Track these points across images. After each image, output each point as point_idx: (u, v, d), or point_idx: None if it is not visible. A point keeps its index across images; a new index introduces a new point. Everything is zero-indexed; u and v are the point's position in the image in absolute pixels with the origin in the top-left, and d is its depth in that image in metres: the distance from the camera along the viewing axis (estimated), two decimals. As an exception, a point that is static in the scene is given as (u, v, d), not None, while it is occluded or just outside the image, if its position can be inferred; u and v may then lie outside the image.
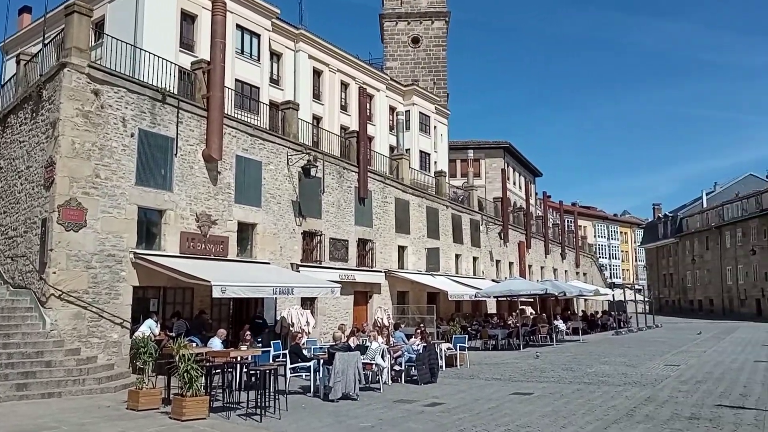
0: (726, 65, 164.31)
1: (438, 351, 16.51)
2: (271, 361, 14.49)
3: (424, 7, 44.19)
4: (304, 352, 14.31)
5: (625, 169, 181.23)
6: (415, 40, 44.09)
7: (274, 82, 28.88)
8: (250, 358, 13.01)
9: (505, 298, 32.00)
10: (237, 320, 18.37)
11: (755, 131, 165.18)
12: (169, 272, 14.71)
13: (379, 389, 13.30)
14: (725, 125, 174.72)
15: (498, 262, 38.11)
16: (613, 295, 41.69)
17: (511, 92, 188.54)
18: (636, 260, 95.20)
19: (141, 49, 18.09)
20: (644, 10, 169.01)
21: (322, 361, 12.95)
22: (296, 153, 20.92)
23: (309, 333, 18.17)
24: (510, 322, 27.78)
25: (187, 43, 24.60)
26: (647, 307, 47.21)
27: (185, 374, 9.92)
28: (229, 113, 19.00)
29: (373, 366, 13.77)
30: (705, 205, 68.84)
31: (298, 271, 20.09)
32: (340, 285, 18.09)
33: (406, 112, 37.57)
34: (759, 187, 61.64)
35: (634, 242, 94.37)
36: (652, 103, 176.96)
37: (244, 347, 13.96)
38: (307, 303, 20.83)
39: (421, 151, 38.31)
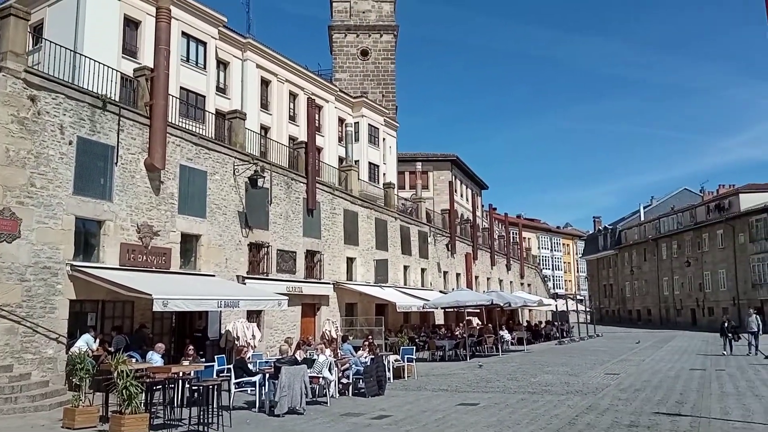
0: (659, 83, 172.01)
1: (386, 363, 16.49)
2: (215, 376, 14.14)
3: (373, 20, 44.53)
4: (250, 366, 14.02)
5: (568, 183, 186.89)
6: (364, 53, 44.35)
7: (221, 91, 28.46)
8: (192, 374, 12.66)
9: (452, 309, 32.35)
10: (179, 334, 17.87)
11: (689, 147, 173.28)
12: (108, 285, 14.20)
13: (326, 403, 13.17)
14: (662, 141, 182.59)
15: (446, 273, 38.50)
16: (556, 305, 42.75)
17: (459, 106, 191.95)
18: (578, 271, 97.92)
19: (81, 54, 17.51)
20: (585, 30, 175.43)
21: (267, 375, 12.73)
22: (243, 163, 20.63)
23: (255, 347, 17.87)
24: (457, 333, 28.04)
25: (130, 50, 23.96)
26: (588, 317, 48.59)
27: (124, 391, 9.58)
28: (173, 122, 18.58)
29: (320, 379, 13.64)
30: (642, 218, 71.57)
31: (244, 284, 19.74)
32: (287, 297, 17.85)
33: (355, 123, 37.63)
34: (693, 200, 64.56)
35: (576, 254, 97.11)
36: (593, 117, 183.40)
37: (186, 362, 13.58)
38: (254, 316, 20.49)
39: (370, 163, 38.43)
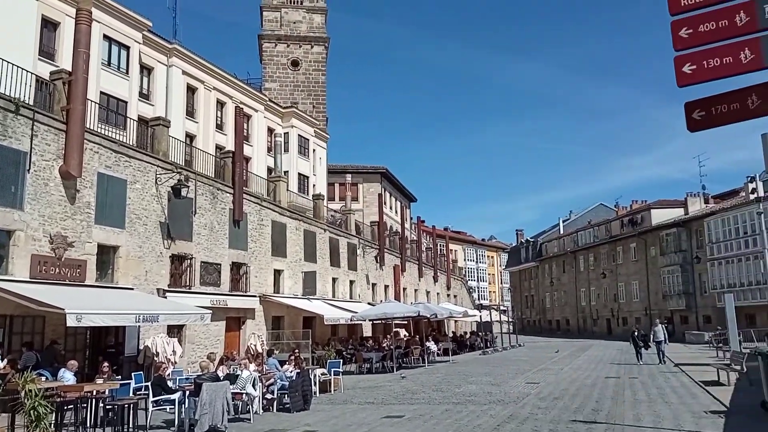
0: (579, 104, 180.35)
1: (312, 377, 16.32)
2: (131, 394, 13.54)
3: (304, 31, 44.39)
4: (169, 383, 13.52)
5: (493, 197, 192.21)
6: (295, 63, 44.10)
7: (144, 96, 27.51)
8: (107, 392, 12.07)
9: (380, 321, 32.43)
10: (94, 351, 17.02)
11: (605, 164, 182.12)
12: (17, 299, 13.32)
13: (250, 420, 12.87)
14: (580, 158, 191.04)
15: (374, 285, 38.62)
16: (480, 316, 43.77)
17: (389, 119, 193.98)
18: (501, 283, 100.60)
19: (-9, 53, 16.49)
20: (511, 50, 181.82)
21: (187, 392, 12.31)
22: (166, 172, 19.99)
23: (175, 363, 17.27)
24: (384, 345, 28.15)
25: (47, 52, 22.75)
26: (511, 327, 49.98)
27: (32, 411, 9.02)
28: (92, 127, 17.80)
29: (244, 395, 13.32)
30: (562, 232, 74.51)
31: (165, 297, 19.05)
32: (210, 311, 17.36)
33: (284, 134, 37.26)
34: (608, 215, 67.82)
35: (500, 265, 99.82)
36: (518, 134, 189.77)
37: (100, 380, 12.93)
38: (174, 331, 19.81)
39: (299, 174, 38.12)
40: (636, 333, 27.35)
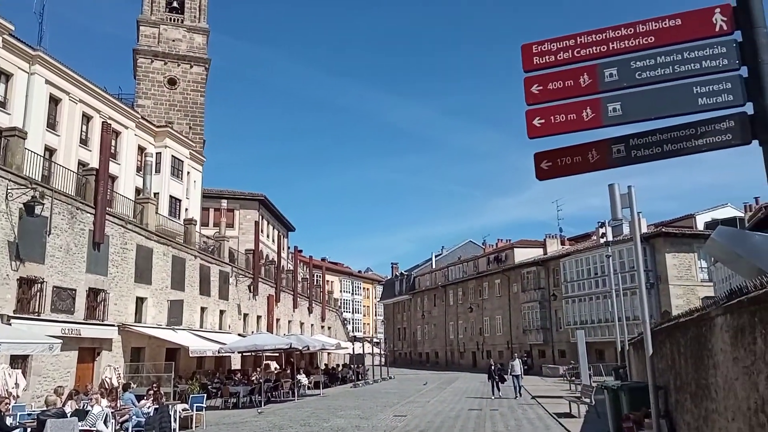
0: (455, 145, 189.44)
1: (172, 412, 15.42)
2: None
3: (184, 50, 43.05)
4: (8, 420, 12.17)
5: (371, 229, 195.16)
6: (172, 82, 42.52)
7: (0, 104, 25.22)
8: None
9: (250, 353, 31.44)
10: None
11: (476, 203, 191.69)
12: None
13: (98, 460, 11.87)
14: (454, 196, 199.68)
15: (246, 315, 37.51)
16: (353, 348, 43.83)
17: (271, 147, 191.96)
18: (376, 315, 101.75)
19: None
20: (394, 90, 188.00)
21: (30, 430, 11.16)
22: (19, 187, 18.33)
23: (17, 397, 15.63)
24: (254, 378, 27.30)
25: None
26: (383, 360, 50.50)
27: None
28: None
29: (93, 433, 12.29)
30: (434, 266, 77.15)
31: (10, 324, 17.26)
32: (61, 341, 15.95)
33: (157, 153, 35.59)
34: (476, 252, 71.28)
35: (375, 297, 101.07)
36: (395, 170, 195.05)
37: None
38: (18, 361, 17.95)
39: (171, 197, 36.46)
40: (493, 367, 28.20)
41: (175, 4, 44.00)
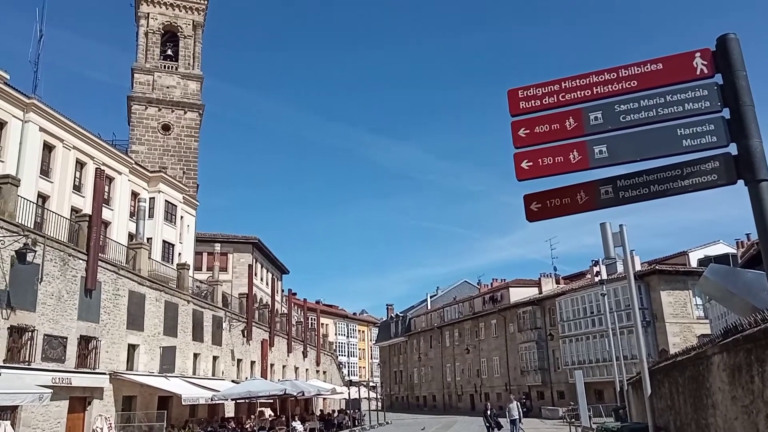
0: (448, 186, 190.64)
1: (163, 463, 15.03)
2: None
3: (178, 96, 43.60)
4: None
5: (366, 271, 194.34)
6: (166, 128, 42.91)
7: (-7, 152, 25.35)
8: None
9: (244, 400, 30.86)
10: None
11: (471, 243, 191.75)
12: None
13: None
14: (448, 237, 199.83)
15: (240, 361, 36.94)
16: (349, 393, 43.04)
17: (263, 190, 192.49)
18: (371, 358, 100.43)
19: None
20: (385, 132, 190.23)
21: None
22: (11, 234, 18.26)
23: (3, 450, 15.23)
24: (248, 426, 26.73)
25: None
26: (380, 404, 49.62)
27: None
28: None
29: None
30: (429, 307, 76.61)
31: (-2, 374, 16.93)
32: (51, 390, 15.69)
33: (150, 199, 35.63)
34: (471, 292, 70.97)
35: (371, 340, 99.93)
36: (390, 211, 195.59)
37: None
38: (7, 412, 17.51)
39: (164, 241, 36.35)
40: (489, 411, 27.58)
41: (169, 52, 44.80)
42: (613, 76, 4.63)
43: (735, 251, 41.31)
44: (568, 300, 46.43)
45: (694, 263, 42.22)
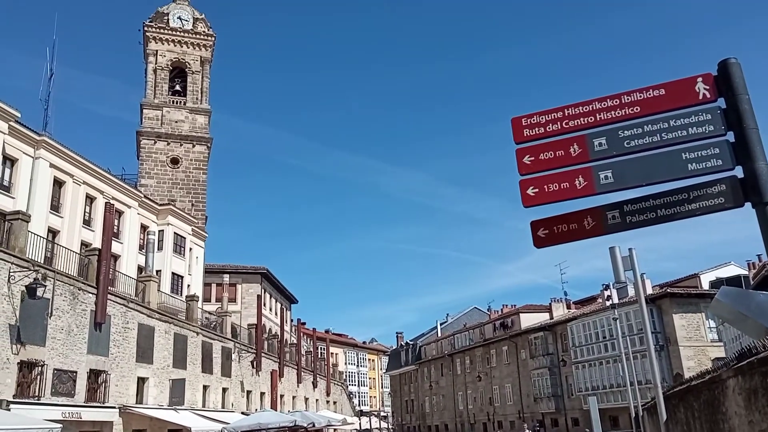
0: (454, 212, 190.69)
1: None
2: None
3: (186, 130, 44.16)
4: None
5: (375, 299, 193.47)
6: (175, 161, 43.38)
7: (5, 189, 25.62)
8: None
9: (253, 432, 30.49)
10: None
11: (479, 269, 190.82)
12: None
13: None
14: (456, 263, 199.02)
15: (249, 392, 36.65)
16: (360, 423, 42.57)
17: (271, 220, 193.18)
18: (382, 387, 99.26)
19: None
20: (390, 160, 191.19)
21: None
22: (22, 270, 18.37)
23: (12, 488, 15.05)
24: (257, 459, 26.39)
25: None
26: (391, 434, 48.93)
27: None
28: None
29: None
30: (439, 335, 75.87)
31: (9, 409, 16.87)
32: (61, 425, 15.60)
33: (159, 231, 35.84)
34: (482, 318, 70.32)
35: (381, 369, 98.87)
36: (397, 240, 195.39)
37: None
38: (15, 449, 17.40)
39: (173, 273, 36.43)
40: None
41: (177, 87, 45.53)
42: (616, 102, 4.68)
43: (746, 272, 40.87)
44: (580, 325, 45.90)
45: (705, 285, 41.78)
